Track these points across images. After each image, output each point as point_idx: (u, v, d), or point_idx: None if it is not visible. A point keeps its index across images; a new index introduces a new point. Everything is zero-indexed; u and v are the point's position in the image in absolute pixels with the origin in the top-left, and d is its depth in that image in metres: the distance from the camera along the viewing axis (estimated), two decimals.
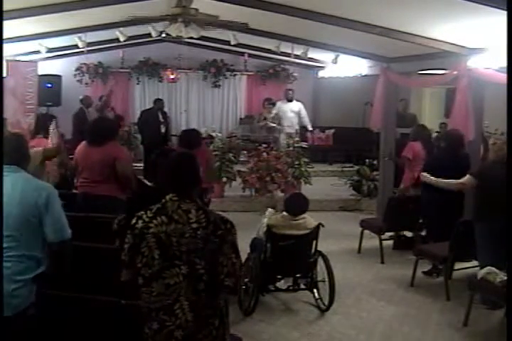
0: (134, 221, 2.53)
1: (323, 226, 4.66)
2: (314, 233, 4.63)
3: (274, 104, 10.36)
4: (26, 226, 2.74)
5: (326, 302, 4.65)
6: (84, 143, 5.09)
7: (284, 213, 4.65)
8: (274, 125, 9.97)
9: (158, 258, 2.45)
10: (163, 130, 10.12)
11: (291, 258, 4.59)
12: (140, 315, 2.57)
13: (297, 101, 10.79)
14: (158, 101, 10.40)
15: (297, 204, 4.70)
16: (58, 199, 2.90)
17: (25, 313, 2.74)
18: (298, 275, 4.76)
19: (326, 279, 4.63)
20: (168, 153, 3.91)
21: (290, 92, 10.79)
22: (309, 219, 4.68)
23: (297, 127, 10.66)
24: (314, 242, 4.68)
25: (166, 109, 12.18)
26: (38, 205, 2.76)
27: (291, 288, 4.78)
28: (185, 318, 2.47)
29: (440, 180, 5.11)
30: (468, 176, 4.82)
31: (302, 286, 4.80)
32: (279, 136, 10.07)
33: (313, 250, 4.71)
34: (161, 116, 10.15)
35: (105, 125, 5.23)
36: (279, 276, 4.75)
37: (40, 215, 2.77)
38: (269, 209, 4.75)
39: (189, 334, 2.48)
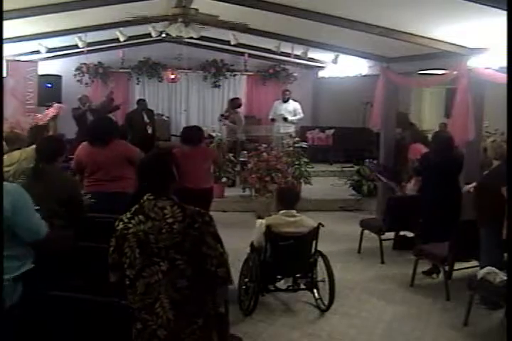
0: (116, 223, 2.57)
1: (323, 226, 4.66)
2: (314, 233, 4.64)
3: (238, 106, 10.27)
4: (5, 228, 2.67)
5: (326, 303, 4.65)
6: (85, 144, 5.11)
7: (281, 212, 4.66)
8: (230, 124, 9.97)
9: (139, 257, 2.48)
10: (149, 131, 9.95)
11: (291, 258, 4.59)
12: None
13: (294, 101, 10.66)
14: (141, 102, 10.22)
15: (290, 195, 4.83)
16: (27, 201, 2.83)
17: (9, 313, 2.72)
18: (298, 276, 4.76)
19: (326, 279, 4.63)
20: (167, 152, 3.91)
21: (287, 93, 10.66)
22: (306, 218, 4.69)
23: (294, 127, 10.57)
24: (314, 242, 4.68)
25: (165, 109, 12.22)
26: (6, 212, 2.67)
27: (291, 288, 4.78)
28: (166, 316, 2.47)
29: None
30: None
31: (302, 286, 4.80)
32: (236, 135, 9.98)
33: (313, 250, 4.71)
34: (146, 117, 9.95)
35: (106, 124, 5.26)
36: (279, 276, 4.76)
37: (9, 219, 2.70)
38: (259, 220, 4.74)
39: (172, 333, 2.48)
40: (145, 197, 2.55)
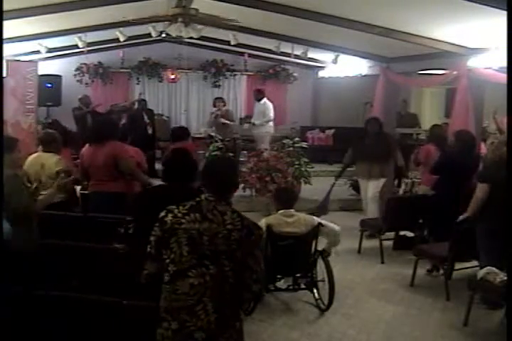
0: (163, 214, 2.50)
1: (322, 225, 4.66)
2: (314, 232, 4.64)
3: (224, 104, 10.21)
4: None
5: (326, 302, 4.65)
6: (87, 145, 5.18)
7: (280, 211, 4.67)
8: (226, 121, 9.91)
9: (187, 255, 2.43)
10: (150, 131, 9.95)
11: (291, 258, 4.59)
12: (149, 315, 2.54)
13: (269, 101, 10.38)
14: (141, 102, 10.26)
15: (287, 195, 4.82)
16: None
17: None
18: (298, 275, 4.76)
19: (326, 279, 4.63)
20: (180, 152, 3.91)
21: (256, 92, 10.53)
22: (304, 217, 4.68)
23: (268, 127, 10.21)
24: (314, 242, 4.68)
25: (165, 109, 12.22)
26: None
27: (291, 287, 4.78)
28: (208, 319, 2.43)
29: (471, 206, 4.77)
30: (478, 185, 4.73)
31: (302, 286, 4.80)
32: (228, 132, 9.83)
33: (313, 250, 4.71)
34: (146, 117, 9.97)
35: (106, 124, 5.36)
36: (278, 276, 4.75)
37: None
38: (263, 220, 4.73)
39: (210, 336, 2.45)
40: (203, 197, 2.51)
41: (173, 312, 2.46)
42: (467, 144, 5.67)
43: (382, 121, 7.19)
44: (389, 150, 6.93)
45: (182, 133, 6.63)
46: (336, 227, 4.70)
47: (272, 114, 10.14)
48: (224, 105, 10.11)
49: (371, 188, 7.04)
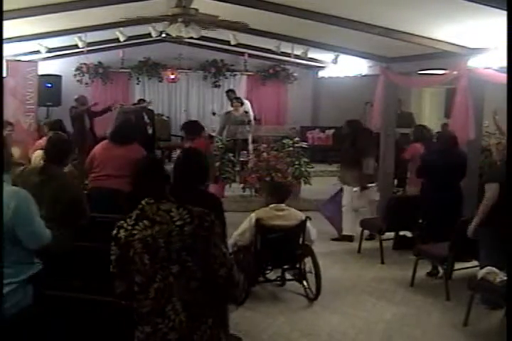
0: (115, 231, 2.50)
1: (310, 219, 4.82)
2: (302, 225, 4.74)
3: (241, 103, 10.27)
4: (6, 232, 2.68)
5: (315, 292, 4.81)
6: (105, 142, 5.35)
7: (271, 205, 4.75)
8: (252, 119, 10.00)
9: (149, 263, 2.43)
10: (150, 131, 9.95)
11: (280, 250, 4.72)
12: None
13: (247, 100, 10.48)
14: (141, 102, 10.29)
15: (281, 190, 4.97)
16: (30, 205, 2.81)
17: (21, 315, 2.73)
18: (286, 267, 4.86)
19: (313, 270, 4.78)
20: (190, 152, 3.92)
21: (229, 93, 10.62)
22: (295, 211, 4.82)
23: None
24: (301, 234, 4.78)
25: (165, 109, 12.22)
26: (7, 216, 2.67)
27: (279, 279, 4.92)
28: (180, 319, 2.43)
29: (481, 209, 4.60)
30: (487, 186, 4.65)
31: (291, 277, 4.94)
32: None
33: (300, 242, 4.80)
34: (146, 117, 9.97)
35: (132, 126, 5.66)
36: (269, 267, 4.86)
37: (13, 225, 2.70)
38: (252, 215, 4.77)
39: (183, 336, 2.45)
40: (143, 202, 2.50)
41: (144, 317, 2.47)
42: (447, 145, 5.70)
43: (360, 121, 7.22)
44: (359, 155, 6.64)
45: (192, 129, 6.33)
46: (313, 236, 4.88)
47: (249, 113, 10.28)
48: (242, 105, 10.14)
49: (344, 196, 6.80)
